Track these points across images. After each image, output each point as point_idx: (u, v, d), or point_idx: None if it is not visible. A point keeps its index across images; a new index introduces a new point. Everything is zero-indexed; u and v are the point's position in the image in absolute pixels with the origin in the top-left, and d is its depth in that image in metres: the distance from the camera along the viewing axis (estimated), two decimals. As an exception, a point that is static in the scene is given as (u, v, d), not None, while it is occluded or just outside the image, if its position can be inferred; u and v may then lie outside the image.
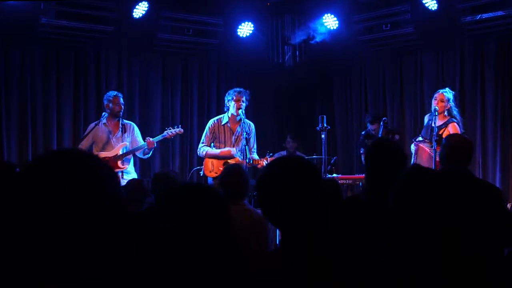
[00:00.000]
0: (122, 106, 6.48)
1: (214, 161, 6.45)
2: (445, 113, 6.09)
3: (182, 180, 8.12)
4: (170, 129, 6.50)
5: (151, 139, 6.40)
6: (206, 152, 6.47)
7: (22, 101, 7.35)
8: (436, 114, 5.94)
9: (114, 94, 6.51)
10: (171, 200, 1.48)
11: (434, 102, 6.11)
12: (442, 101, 6.06)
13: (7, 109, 7.26)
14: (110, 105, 6.45)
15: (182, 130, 6.55)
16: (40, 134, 7.45)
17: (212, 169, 6.45)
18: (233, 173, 3.97)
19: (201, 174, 6.65)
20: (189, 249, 1.39)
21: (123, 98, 6.60)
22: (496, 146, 7.40)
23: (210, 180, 6.47)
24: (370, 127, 7.30)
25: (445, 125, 6.03)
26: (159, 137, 6.48)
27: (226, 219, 1.48)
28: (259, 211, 4.72)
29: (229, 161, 6.35)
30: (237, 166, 4.58)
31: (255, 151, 6.54)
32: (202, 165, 6.64)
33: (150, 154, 6.60)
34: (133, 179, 5.11)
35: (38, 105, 7.44)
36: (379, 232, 2.05)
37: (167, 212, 1.44)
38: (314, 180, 1.83)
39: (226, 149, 6.41)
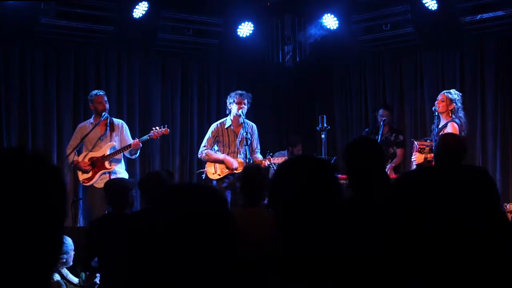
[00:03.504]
0: (106, 104, 6.42)
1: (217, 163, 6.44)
2: (450, 114, 6.07)
3: (179, 180, 8.15)
4: (156, 128, 6.45)
5: (137, 139, 6.37)
6: (209, 156, 6.42)
7: (22, 101, 7.35)
8: (436, 114, 5.95)
9: (95, 93, 6.50)
10: (168, 199, 1.47)
11: (435, 102, 6.12)
12: (442, 101, 6.05)
13: (7, 109, 7.26)
14: (94, 105, 6.44)
15: (168, 130, 6.49)
16: (40, 134, 7.46)
17: (215, 171, 6.43)
18: (252, 173, 3.85)
19: (203, 177, 6.62)
20: (188, 249, 1.38)
21: (107, 96, 6.57)
22: (496, 146, 7.40)
23: (214, 183, 6.46)
24: (381, 112, 7.21)
25: (445, 125, 6.03)
26: (145, 137, 6.44)
27: (226, 220, 1.47)
28: None
29: (228, 170, 6.34)
30: (256, 165, 4.50)
31: (259, 151, 6.53)
32: (204, 168, 6.62)
33: (138, 154, 6.56)
34: (114, 179, 5.07)
35: (38, 105, 7.45)
36: (371, 230, 2.05)
37: (165, 211, 1.44)
38: (335, 180, 1.83)
39: (230, 159, 6.35)
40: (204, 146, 6.51)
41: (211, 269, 1.37)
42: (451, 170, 1.52)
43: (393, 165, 7.04)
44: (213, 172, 6.43)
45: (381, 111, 7.28)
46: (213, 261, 1.38)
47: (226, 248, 1.41)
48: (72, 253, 4.76)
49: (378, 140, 6.62)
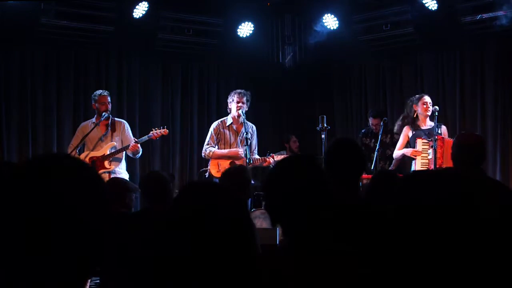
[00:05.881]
0: (109, 105, 6.42)
1: (221, 161, 6.44)
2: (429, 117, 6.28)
3: (179, 180, 8.16)
4: (155, 129, 6.46)
5: (135, 141, 6.37)
6: (213, 152, 6.44)
7: (22, 101, 7.35)
8: (436, 114, 6.05)
9: (99, 93, 6.47)
10: (187, 197, 1.46)
11: (430, 106, 6.23)
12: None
13: (7, 109, 7.26)
14: (96, 104, 6.43)
15: (167, 131, 6.50)
16: (40, 134, 7.46)
17: (219, 169, 6.43)
18: (235, 173, 3.95)
19: (207, 176, 6.62)
20: (205, 248, 1.38)
21: (110, 96, 6.54)
22: (496, 146, 7.40)
23: (217, 181, 6.45)
24: (371, 121, 7.26)
25: (439, 127, 6.18)
26: (144, 138, 6.43)
27: (244, 216, 1.47)
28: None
29: (236, 161, 6.36)
30: (240, 166, 4.56)
31: (257, 152, 6.54)
32: (207, 166, 6.62)
33: (140, 154, 6.55)
34: (115, 178, 5.04)
35: (38, 105, 7.45)
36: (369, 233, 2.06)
37: (184, 210, 1.42)
38: (322, 178, 1.83)
39: (234, 149, 6.40)
40: (208, 144, 6.52)
41: (225, 268, 1.36)
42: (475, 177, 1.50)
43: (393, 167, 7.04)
44: (216, 170, 6.44)
45: (370, 120, 7.29)
46: (229, 260, 1.37)
47: (242, 246, 1.40)
48: None
49: (377, 146, 6.62)
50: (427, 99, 6.29)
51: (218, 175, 6.43)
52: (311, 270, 1.70)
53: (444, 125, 6.38)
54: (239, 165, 5.68)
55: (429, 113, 6.21)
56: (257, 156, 6.45)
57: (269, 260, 1.82)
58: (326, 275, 1.70)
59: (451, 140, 5.94)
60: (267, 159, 6.32)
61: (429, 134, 6.12)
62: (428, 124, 6.26)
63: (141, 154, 6.65)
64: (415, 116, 6.30)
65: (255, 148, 6.54)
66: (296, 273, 1.71)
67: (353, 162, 2.76)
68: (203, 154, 6.60)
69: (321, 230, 1.78)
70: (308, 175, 1.81)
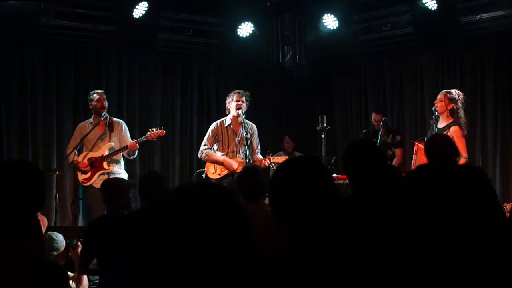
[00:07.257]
0: (104, 102, 6.39)
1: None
2: (448, 113, 5.98)
3: (179, 180, 8.16)
4: (152, 130, 6.44)
5: (135, 140, 6.36)
6: (209, 156, 6.41)
7: (22, 101, 7.36)
8: (435, 113, 5.91)
9: (95, 92, 6.48)
10: (182, 197, 1.46)
11: (435, 102, 6.09)
12: (441, 101, 6.01)
13: (7, 109, 7.27)
14: (93, 103, 6.42)
15: (164, 132, 6.47)
16: (40, 134, 7.46)
17: (215, 171, 6.41)
18: (250, 173, 3.96)
19: (203, 177, 6.60)
20: (202, 246, 1.38)
21: (107, 96, 6.54)
22: (496, 146, 7.40)
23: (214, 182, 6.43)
24: (374, 116, 7.21)
25: (448, 127, 5.96)
26: (141, 139, 6.41)
27: (241, 215, 1.47)
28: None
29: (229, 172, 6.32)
30: (254, 166, 4.55)
31: (260, 151, 6.51)
32: (203, 168, 6.61)
33: (136, 155, 6.54)
34: (110, 179, 5.02)
35: (38, 106, 7.45)
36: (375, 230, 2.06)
37: (179, 208, 1.43)
38: (325, 179, 1.84)
39: (229, 161, 6.32)
40: (204, 145, 6.48)
41: (224, 264, 1.36)
42: (449, 168, 1.52)
43: (394, 165, 7.02)
44: (213, 171, 6.41)
45: (373, 115, 7.26)
46: (226, 256, 1.37)
47: (240, 241, 1.40)
48: (63, 249, 4.75)
49: (378, 143, 6.60)
50: (439, 94, 5.91)
51: (214, 176, 6.40)
52: (313, 270, 1.71)
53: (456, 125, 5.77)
54: (253, 165, 5.56)
55: (437, 108, 5.80)
56: (260, 157, 6.42)
57: (271, 259, 1.83)
58: (328, 275, 1.70)
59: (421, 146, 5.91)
60: (263, 161, 6.27)
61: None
62: (445, 122, 5.83)
63: (140, 154, 6.65)
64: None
65: (257, 147, 6.51)
66: (297, 273, 1.71)
67: (372, 161, 2.83)
68: (199, 155, 6.57)
69: (323, 231, 1.78)
70: (310, 176, 1.82)
